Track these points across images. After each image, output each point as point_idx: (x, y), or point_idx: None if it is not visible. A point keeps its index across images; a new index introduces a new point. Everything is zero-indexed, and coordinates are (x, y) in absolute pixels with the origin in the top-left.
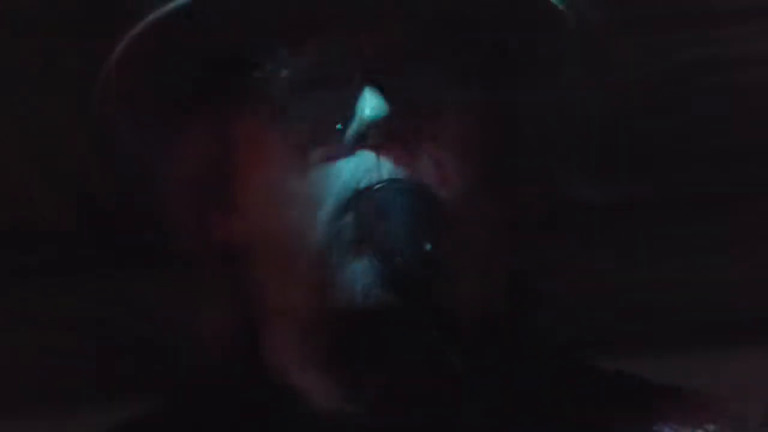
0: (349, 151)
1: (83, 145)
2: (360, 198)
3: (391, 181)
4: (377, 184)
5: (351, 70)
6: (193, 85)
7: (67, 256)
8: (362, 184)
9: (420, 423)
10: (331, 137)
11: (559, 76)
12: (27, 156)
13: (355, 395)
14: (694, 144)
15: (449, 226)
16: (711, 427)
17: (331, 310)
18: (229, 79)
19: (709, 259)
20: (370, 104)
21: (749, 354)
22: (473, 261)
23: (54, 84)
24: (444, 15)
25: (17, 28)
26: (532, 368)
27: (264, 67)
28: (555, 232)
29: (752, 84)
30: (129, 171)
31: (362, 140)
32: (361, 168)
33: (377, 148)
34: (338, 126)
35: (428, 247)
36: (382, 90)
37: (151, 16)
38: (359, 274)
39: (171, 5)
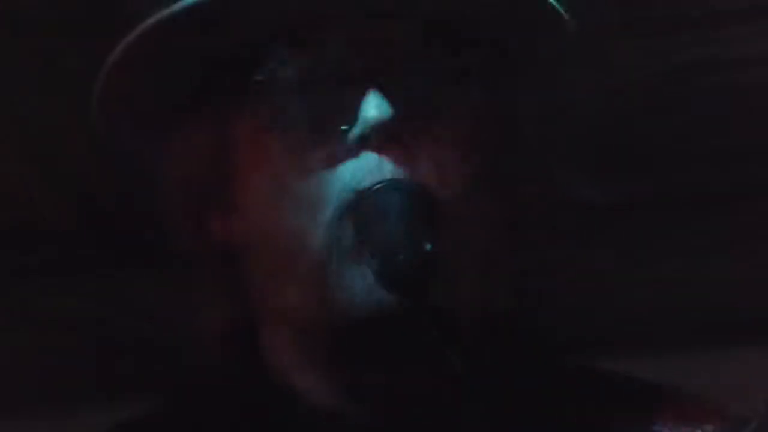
0: (352, 152)
1: (83, 145)
2: (360, 198)
3: (391, 181)
4: (377, 184)
5: (351, 71)
6: (192, 85)
7: (67, 256)
8: (363, 185)
9: (420, 423)
10: (332, 138)
11: (559, 76)
12: (27, 156)
13: (355, 395)
14: (694, 144)
15: (449, 226)
16: (709, 428)
17: (331, 310)
18: (229, 80)
19: (709, 259)
20: (374, 105)
21: (749, 354)
22: (473, 261)
23: (54, 84)
24: (444, 15)
25: (17, 28)
26: (532, 368)
27: (264, 68)
28: (555, 232)
29: (752, 84)
30: (129, 171)
31: (365, 141)
32: (363, 169)
33: (380, 149)
34: (342, 127)
35: (428, 247)
36: (385, 91)
37: (150, 20)
38: (359, 276)
39: (170, 9)
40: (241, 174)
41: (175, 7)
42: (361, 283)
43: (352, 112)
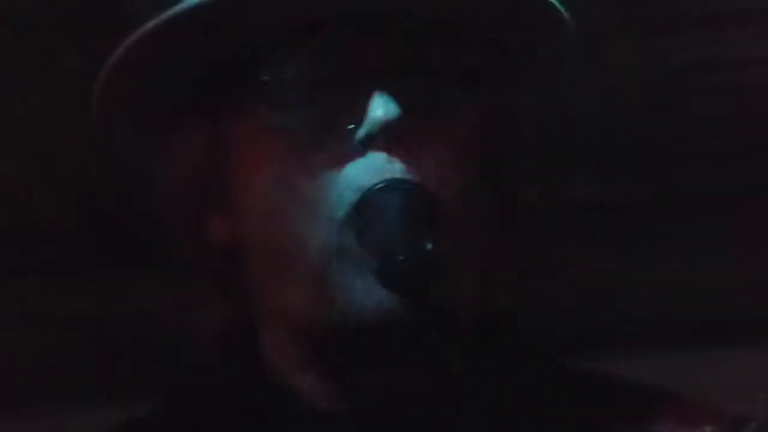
0: (359, 152)
1: (83, 145)
2: (360, 198)
3: (392, 181)
4: (377, 184)
5: (352, 72)
6: (192, 86)
7: (67, 256)
8: (367, 185)
9: (420, 423)
10: (338, 138)
11: (559, 76)
12: (27, 156)
13: (355, 395)
14: (694, 144)
15: (449, 226)
16: (709, 428)
17: (331, 311)
18: (229, 80)
19: (709, 259)
20: (380, 105)
21: (749, 354)
22: (473, 261)
23: (54, 84)
24: (444, 15)
25: (17, 28)
26: (532, 368)
27: (264, 68)
28: (555, 232)
29: (752, 84)
30: (129, 171)
31: (372, 141)
32: (370, 169)
33: (387, 149)
34: (348, 126)
35: (428, 247)
36: (388, 91)
37: (151, 22)
38: (359, 276)
39: (171, 11)
40: (242, 174)
41: (176, 8)
42: (361, 284)
43: (357, 112)
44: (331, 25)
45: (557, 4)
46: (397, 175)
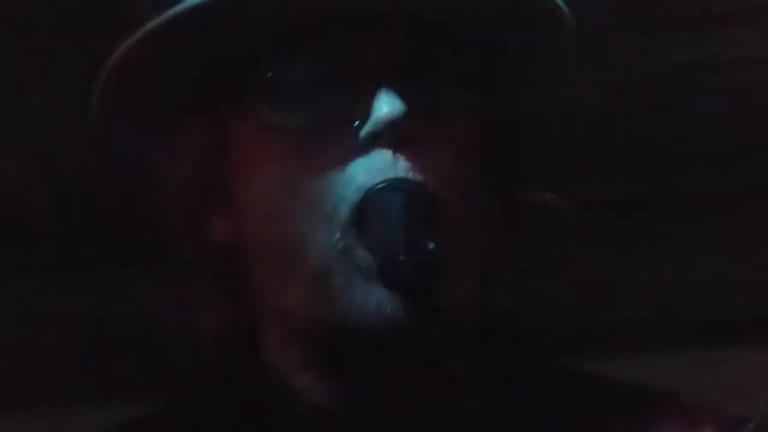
0: (362, 150)
1: (83, 145)
2: (362, 198)
3: (393, 180)
4: (380, 183)
5: (352, 72)
6: (193, 86)
7: (67, 256)
8: (370, 184)
9: (420, 423)
10: (343, 137)
11: (559, 76)
12: (27, 156)
13: (355, 395)
14: (694, 144)
15: (450, 226)
16: (708, 429)
17: (331, 311)
18: (230, 80)
19: (709, 259)
20: (386, 103)
21: (749, 354)
22: (473, 261)
23: (54, 84)
24: (444, 15)
25: (17, 28)
26: (531, 368)
27: (265, 68)
28: (555, 232)
29: (752, 84)
30: (129, 171)
31: (378, 139)
32: (376, 167)
33: (393, 147)
34: (354, 123)
35: (430, 246)
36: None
37: (151, 23)
38: (361, 276)
39: (172, 11)
40: (242, 174)
41: (177, 8)
42: (362, 284)
43: (360, 111)
44: (330, 25)
45: (558, 2)
46: (400, 174)
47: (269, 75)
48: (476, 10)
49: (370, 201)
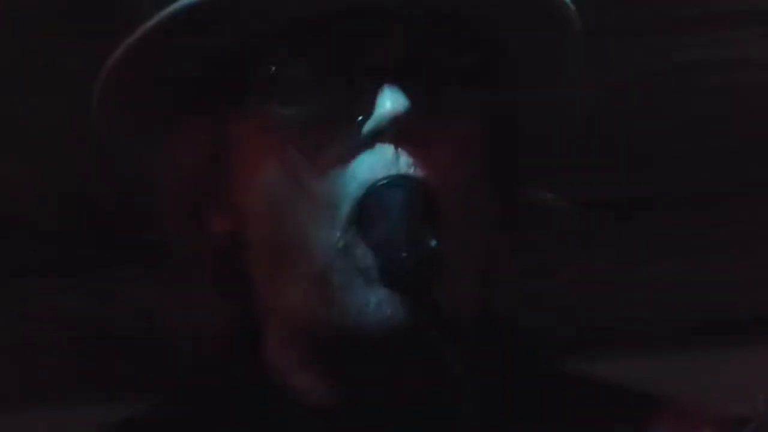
0: (365, 146)
1: (83, 145)
2: (363, 195)
3: (394, 177)
4: (382, 179)
5: (354, 70)
6: (193, 85)
7: (67, 255)
8: (372, 180)
9: (420, 423)
10: (340, 135)
11: (559, 76)
12: (27, 156)
13: (355, 395)
14: (694, 144)
15: (450, 226)
16: (707, 431)
17: (332, 311)
18: (229, 79)
19: (709, 259)
20: (390, 98)
21: (749, 354)
22: (474, 260)
23: (54, 84)
24: (444, 15)
25: (17, 28)
26: (531, 369)
27: (266, 66)
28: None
29: (752, 84)
30: (129, 171)
31: (381, 135)
32: (379, 163)
33: (396, 143)
34: (358, 118)
35: (431, 244)
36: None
37: (151, 21)
38: (361, 275)
39: (171, 9)
40: (243, 174)
41: (175, 6)
42: (362, 284)
43: (362, 108)
44: (332, 23)
45: (563, 3)
46: (402, 171)
47: (271, 71)
48: (476, 10)
49: (372, 197)
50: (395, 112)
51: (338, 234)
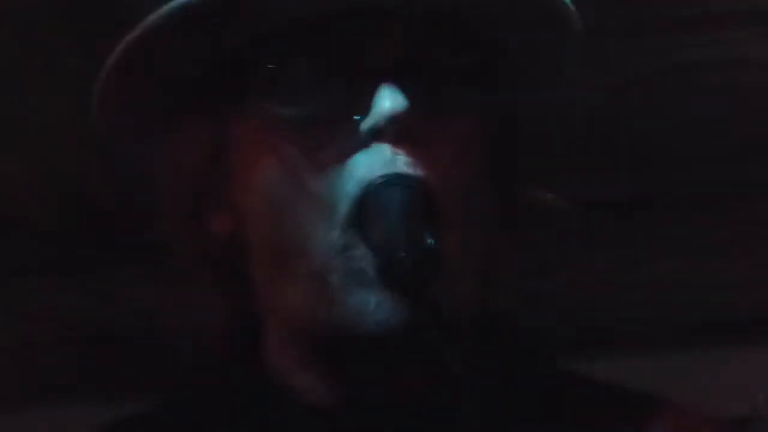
0: (364, 145)
1: (83, 145)
2: (362, 194)
3: (393, 176)
4: (379, 178)
5: (354, 69)
6: (192, 86)
7: (67, 255)
8: (370, 178)
9: (419, 423)
10: (344, 132)
11: (559, 76)
12: (27, 156)
13: (355, 395)
14: (694, 144)
15: (450, 225)
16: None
17: (332, 311)
18: (230, 79)
19: (709, 259)
20: (388, 97)
21: (749, 354)
22: (473, 260)
23: (54, 84)
24: (444, 15)
25: (17, 28)
26: (531, 369)
27: (266, 65)
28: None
29: (752, 84)
30: (129, 171)
31: (379, 133)
32: (377, 162)
33: (394, 142)
34: (355, 117)
35: (430, 243)
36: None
37: (150, 19)
38: (361, 275)
39: (170, 7)
40: (243, 172)
41: (176, 6)
42: (361, 284)
43: (362, 107)
44: (331, 23)
45: (566, 1)
46: (401, 170)
47: (271, 71)
48: (476, 10)
49: (370, 196)
50: (393, 111)
51: (337, 234)
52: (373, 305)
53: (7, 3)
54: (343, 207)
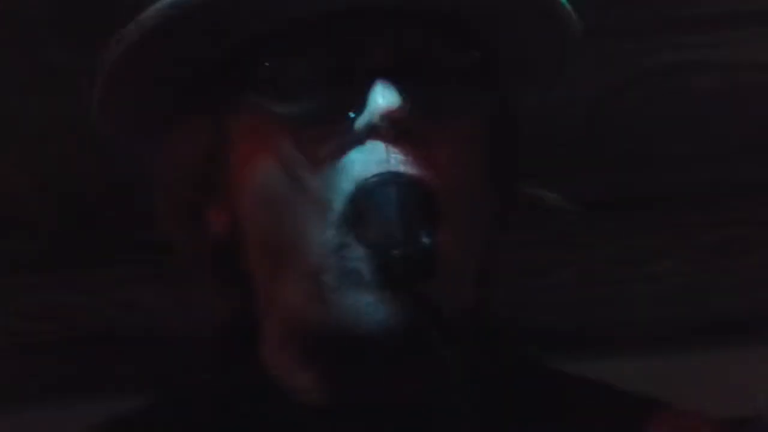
0: (360, 141)
1: (83, 145)
2: (358, 191)
3: (390, 174)
4: (373, 176)
5: (353, 68)
6: (192, 85)
7: (67, 255)
8: (365, 176)
9: (419, 423)
10: (340, 129)
11: (558, 76)
12: (27, 156)
13: (354, 394)
14: (694, 144)
15: (448, 224)
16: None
17: (331, 310)
18: (229, 79)
19: (709, 259)
20: (382, 94)
21: (749, 354)
22: (473, 260)
23: (54, 84)
24: (444, 15)
25: (17, 28)
26: (530, 370)
27: (264, 66)
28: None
29: (752, 84)
30: (129, 170)
31: (374, 130)
32: (372, 159)
33: (389, 139)
34: (350, 114)
35: (426, 241)
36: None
37: (149, 20)
38: (359, 274)
39: (169, 7)
40: (241, 169)
41: (176, 5)
42: (356, 284)
43: (359, 105)
44: (331, 22)
45: (563, 1)
46: (395, 168)
47: (269, 70)
48: (478, 9)
49: (364, 194)
50: (388, 108)
51: (332, 232)
52: (368, 305)
53: (7, 3)
54: (338, 205)
